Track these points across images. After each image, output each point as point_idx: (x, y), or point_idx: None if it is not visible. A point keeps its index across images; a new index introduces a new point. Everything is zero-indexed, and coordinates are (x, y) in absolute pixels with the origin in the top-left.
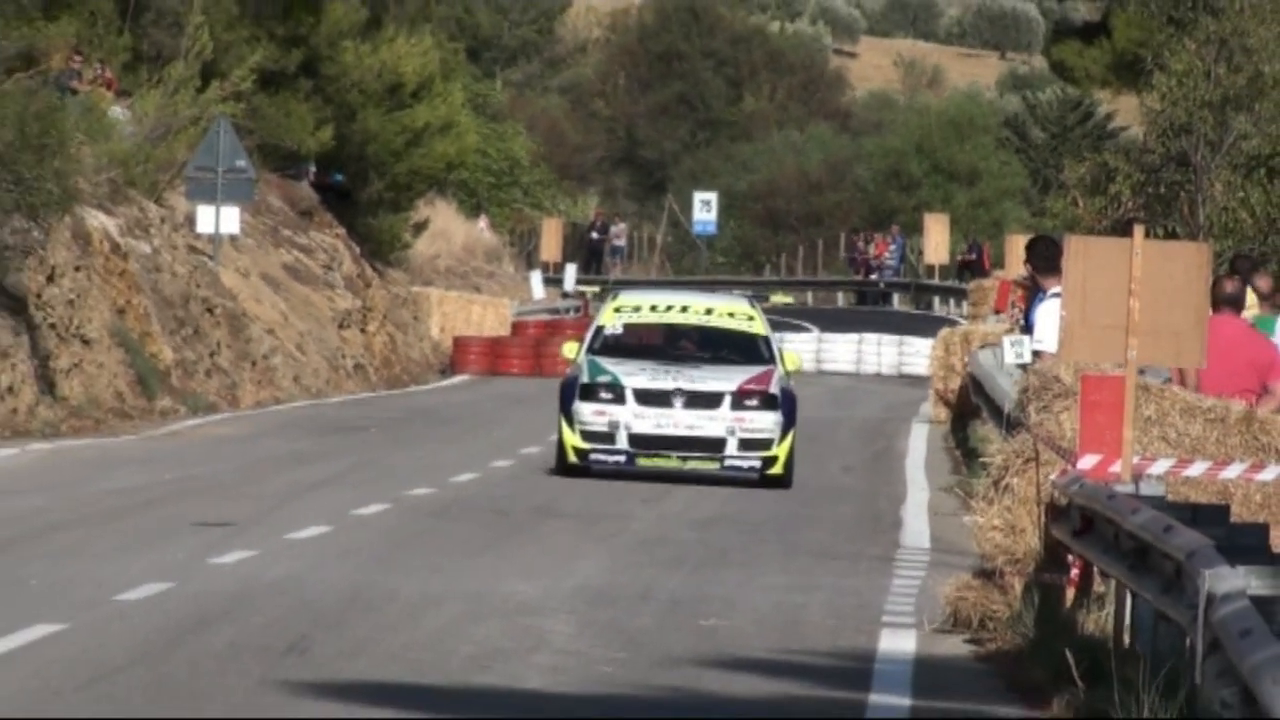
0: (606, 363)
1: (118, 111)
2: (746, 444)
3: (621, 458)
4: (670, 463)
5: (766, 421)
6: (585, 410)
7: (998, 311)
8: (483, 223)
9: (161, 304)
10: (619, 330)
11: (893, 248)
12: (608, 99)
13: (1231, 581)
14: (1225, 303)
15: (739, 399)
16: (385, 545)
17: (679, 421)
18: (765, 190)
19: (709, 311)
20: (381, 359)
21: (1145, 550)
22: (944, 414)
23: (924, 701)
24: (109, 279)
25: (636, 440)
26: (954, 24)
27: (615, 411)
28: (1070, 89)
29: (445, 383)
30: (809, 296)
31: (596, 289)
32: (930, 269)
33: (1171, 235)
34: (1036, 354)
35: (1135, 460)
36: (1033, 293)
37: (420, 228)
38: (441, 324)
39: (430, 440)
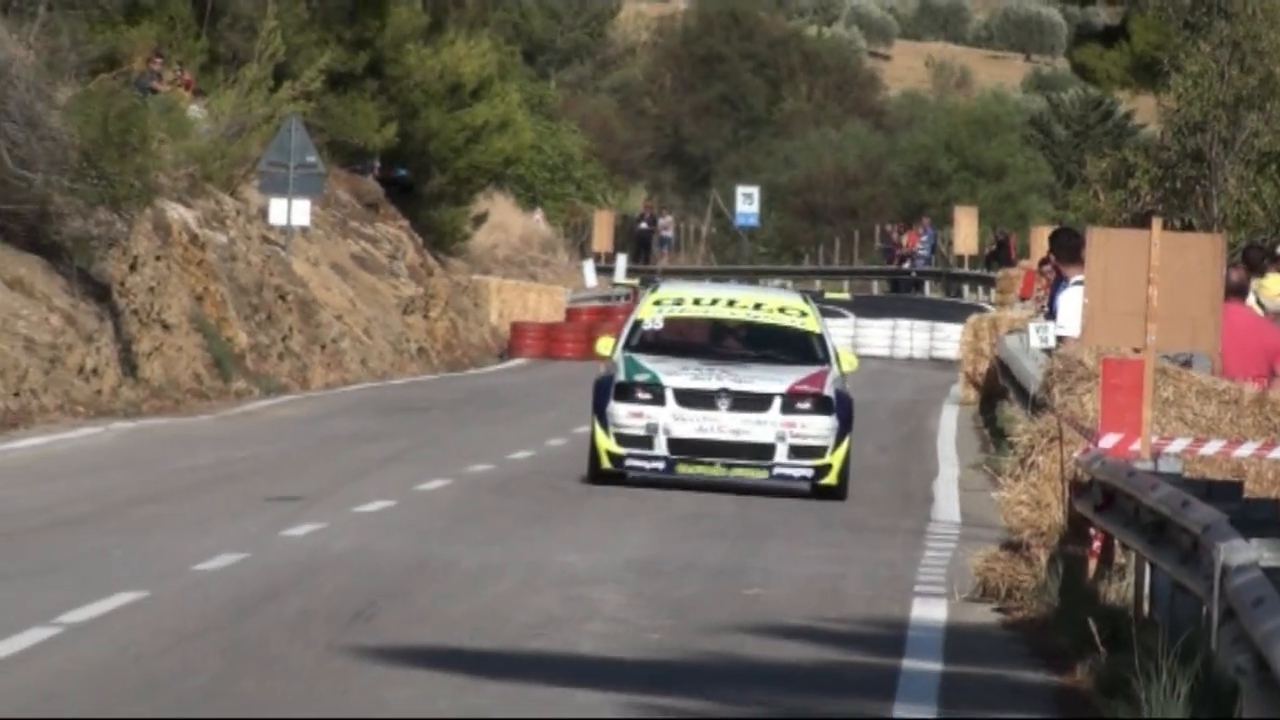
0: (644, 360)
1: (195, 111)
2: (798, 451)
3: (660, 464)
4: (714, 470)
5: (820, 426)
6: (621, 412)
7: (1023, 299)
8: (538, 215)
9: (237, 291)
10: (658, 325)
11: (924, 239)
12: (655, 99)
13: (1245, 554)
14: (1233, 292)
15: (790, 401)
16: (446, 519)
17: (724, 425)
18: (804, 184)
19: (758, 306)
20: (443, 343)
21: (1163, 524)
22: (973, 395)
23: (954, 667)
24: (187, 268)
25: (677, 445)
26: (982, 28)
27: (653, 413)
28: (1091, 89)
29: (503, 366)
30: (845, 285)
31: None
32: (960, 259)
33: (1187, 227)
34: (1060, 339)
35: (1154, 439)
36: (1056, 281)
37: (479, 220)
38: (499, 310)
39: (489, 420)
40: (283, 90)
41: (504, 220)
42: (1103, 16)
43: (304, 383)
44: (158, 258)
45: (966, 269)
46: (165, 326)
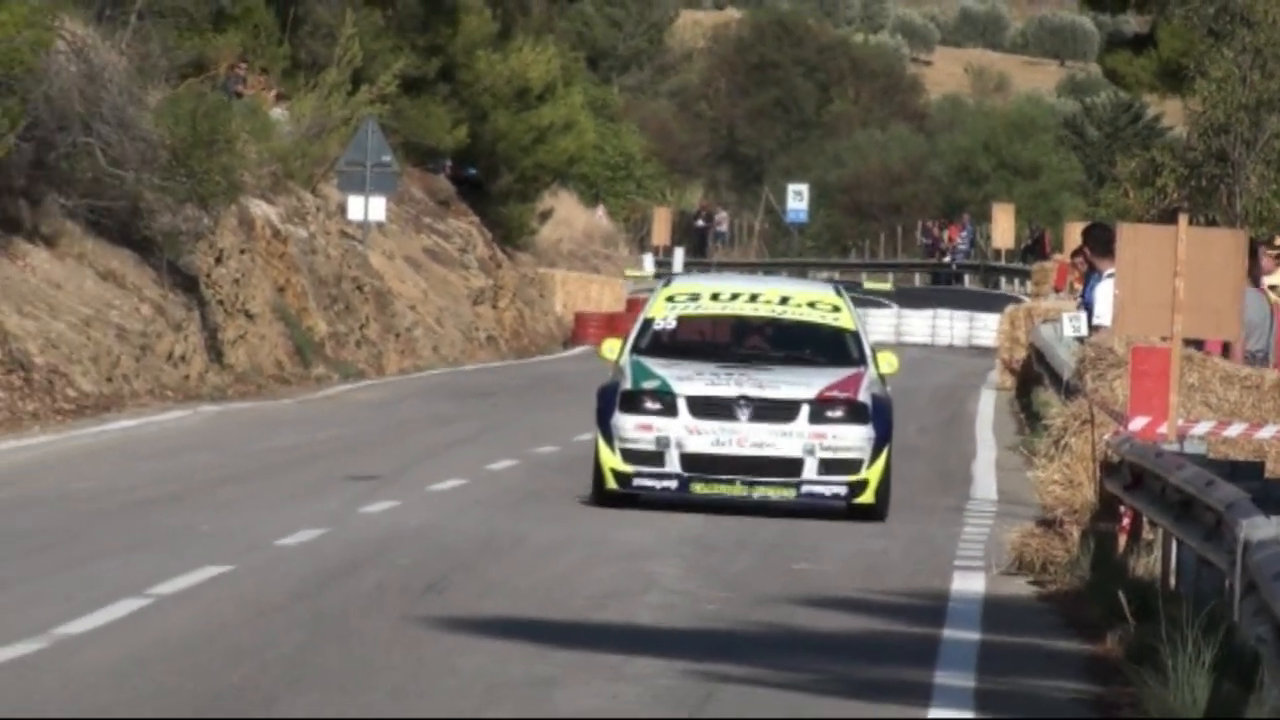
0: (654, 365)
1: (278, 113)
2: (829, 465)
3: (672, 483)
4: (734, 490)
5: (854, 437)
6: (627, 424)
7: (1057, 290)
8: (600, 211)
9: (316, 283)
10: (671, 325)
11: (964, 234)
12: (710, 102)
13: (1266, 530)
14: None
15: (819, 409)
16: (514, 497)
17: (744, 438)
18: (851, 183)
19: (784, 300)
20: (511, 332)
21: (1189, 502)
22: (1010, 381)
23: (992, 636)
24: (270, 260)
25: (691, 462)
26: (1018, 35)
27: (664, 425)
28: (1122, 93)
29: (567, 353)
30: (889, 277)
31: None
32: (997, 252)
33: (1211, 223)
34: (1094, 328)
35: (1180, 422)
36: (1088, 273)
37: (545, 216)
38: (564, 301)
39: (553, 404)
40: (360, 94)
41: (568, 216)
42: (1132, 25)
43: (379, 369)
44: (242, 251)
45: (1003, 262)
46: (249, 316)
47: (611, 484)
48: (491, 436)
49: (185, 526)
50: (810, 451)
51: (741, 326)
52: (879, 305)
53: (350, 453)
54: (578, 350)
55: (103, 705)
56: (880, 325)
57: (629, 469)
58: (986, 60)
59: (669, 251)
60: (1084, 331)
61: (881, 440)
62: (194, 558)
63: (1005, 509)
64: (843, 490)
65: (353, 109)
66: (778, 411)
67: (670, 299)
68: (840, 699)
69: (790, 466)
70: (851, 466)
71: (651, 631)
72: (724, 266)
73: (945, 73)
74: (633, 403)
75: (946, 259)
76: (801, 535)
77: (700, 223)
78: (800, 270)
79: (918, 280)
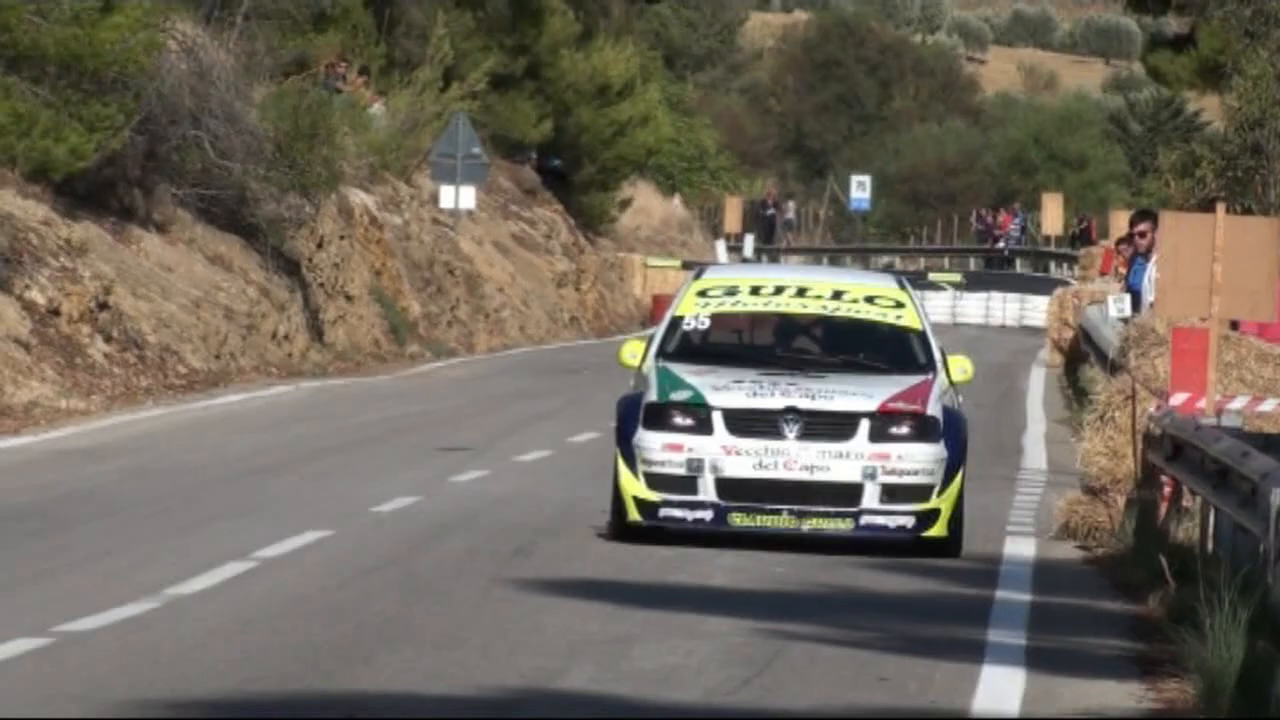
0: (684, 372)
1: (375, 108)
2: (893, 492)
3: (707, 514)
4: (780, 521)
5: (923, 458)
6: (653, 444)
7: (1103, 274)
8: (676, 200)
9: (411, 267)
10: (704, 324)
11: (1015, 221)
12: (779, 98)
13: None
14: None
15: (882, 425)
16: (595, 466)
17: (793, 459)
18: (910, 174)
19: (838, 295)
20: (592, 313)
21: (1226, 472)
22: (1058, 359)
23: (1041, 597)
24: (368, 246)
25: (729, 488)
26: (1067, 36)
27: (697, 445)
28: (1163, 90)
29: (645, 333)
30: (945, 261)
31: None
32: (1047, 239)
33: (1247, 211)
34: (1136, 309)
35: (1217, 398)
36: (1132, 258)
37: (624, 204)
38: (642, 284)
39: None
40: (451, 90)
41: (646, 205)
42: (1173, 26)
43: (470, 347)
44: (341, 237)
45: (1053, 248)
46: (348, 297)
47: (634, 515)
48: (574, 410)
49: (287, 494)
50: (871, 475)
51: (787, 326)
52: (936, 288)
53: (441, 425)
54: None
55: (212, 661)
56: (937, 307)
57: (655, 497)
58: (1037, 59)
59: (740, 238)
60: (1128, 313)
61: (955, 461)
62: (295, 523)
63: (1054, 478)
64: (909, 521)
65: (444, 105)
66: (832, 428)
67: (702, 294)
68: (899, 655)
69: (847, 493)
70: (920, 493)
71: (723, 592)
72: (792, 252)
73: (998, 70)
74: (659, 418)
75: (999, 245)
76: None
77: (769, 211)
78: (863, 256)
79: (972, 265)
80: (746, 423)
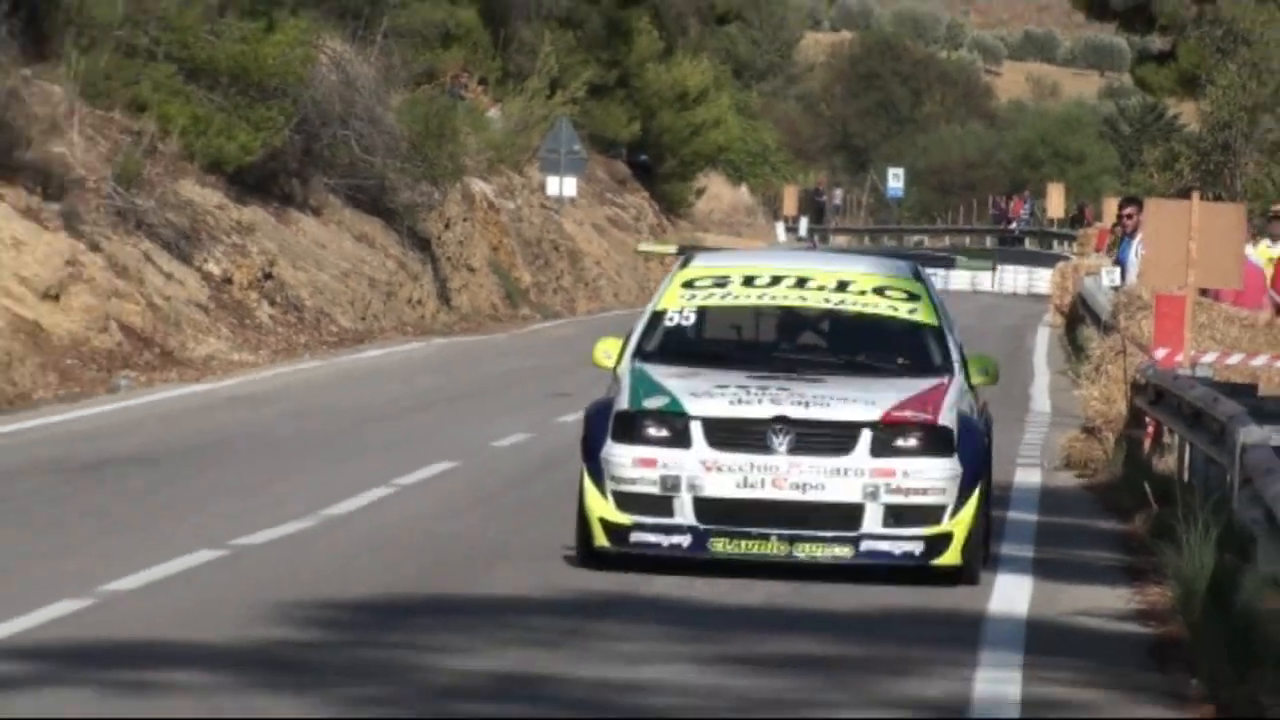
0: (662, 375)
1: (492, 112)
2: (898, 514)
3: (684, 539)
4: (769, 548)
5: (934, 474)
6: (623, 458)
7: (1097, 251)
8: (743, 188)
9: (522, 244)
10: (689, 319)
11: (1025, 206)
12: (828, 104)
13: (1258, 435)
14: None
15: (886, 436)
16: None
17: (782, 476)
18: (937, 167)
19: (843, 286)
20: None
21: (1199, 414)
22: (1060, 321)
23: (1046, 517)
24: (487, 226)
25: (709, 510)
26: (1068, 52)
27: (673, 460)
28: (1149, 97)
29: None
30: (967, 240)
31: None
32: (1051, 221)
33: (1217, 198)
34: (1124, 279)
35: (1192, 353)
36: (1121, 238)
37: (700, 192)
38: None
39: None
40: (556, 97)
41: (718, 192)
42: (1157, 43)
43: (572, 310)
44: (464, 219)
45: (1055, 229)
46: (470, 269)
47: (601, 540)
48: None
49: (421, 432)
50: (873, 495)
51: (784, 321)
52: (946, 264)
53: (550, 375)
54: None
55: (360, 569)
56: (959, 277)
57: (625, 519)
58: (1043, 71)
59: (796, 219)
60: (1118, 282)
61: (973, 477)
62: (428, 456)
63: (1056, 420)
64: (918, 548)
65: (550, 109)
66: (828, 439)
67: (689, 284)
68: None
69: (845, 516)
70: (929, 515)
71: None
72: (839, 232)
73: (1011, 81)
74: (631, 428)
75: (1011, 226)
76: None
77: (820, 198)
78: (898, 235)
79: (988, 242)
80: (730, 434)
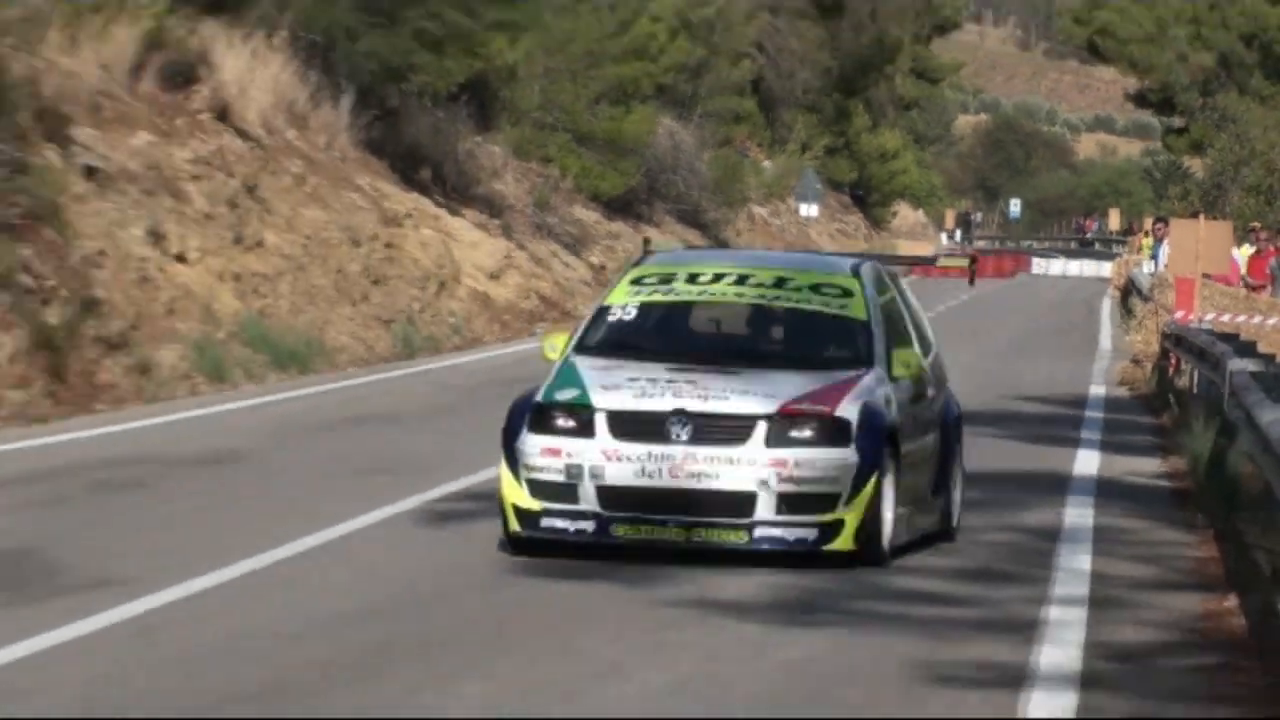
0: (587, 368)
1: (765, 164)
2: (791, 502)
3: (588, 525)
4: (667, 533)
5: (826, 464)
6: (533, 447)
7: (1139, 251)
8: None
9: (785, 248)
10: (630, 315)
11: (1095, 224)
12: (973, 159)
13: (1240, 364)
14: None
15: (781, 427)
16: None
17: (679, 466)
18: (1040, 199)
19: (780, 283)
20: None
21: (1203, 351)
22: (1117, 294)
23: (1108, 415)
24: (762, 235)
25: (610, 497)
26: (1122, 127)
27: (576, 449)
28: (1172, 156)
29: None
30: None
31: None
32: (1112, 232)
33: (1214, 219)
34: (1156, 269)
35: (1199, 314)
36: (1155, 243)
37: (893, 214)
38: None
39: None
40: (805, 155)
41: (904, 215)
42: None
43: None
44: (749, 230)
45: (1114, 237)
46: None
47: (515, 525)
48: None
49: None
50: (765, 484)
51: (720, 316)
52: (1051, 257)
53: None
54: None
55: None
56: (1054, 267)
57: (535, 505)
58: (1106, 139)
59: (953, 233)
60: (1153, 270)
61: (869, 467)
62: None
63: (1115, 355)
64: (811, 534)
65: (801, 162)
66: (724, 431)
67: (636, 281)
68: (1021, 443)
69: (739, 503)
70: (822, 503)
71: None
72: (980, 238)
73: (1086, 145)
74: (543, 420)
75: (1087, 236)
76: (1016, 365)
77: (968, 218)
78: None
79: (1073, 245)
80: (631, 425)
